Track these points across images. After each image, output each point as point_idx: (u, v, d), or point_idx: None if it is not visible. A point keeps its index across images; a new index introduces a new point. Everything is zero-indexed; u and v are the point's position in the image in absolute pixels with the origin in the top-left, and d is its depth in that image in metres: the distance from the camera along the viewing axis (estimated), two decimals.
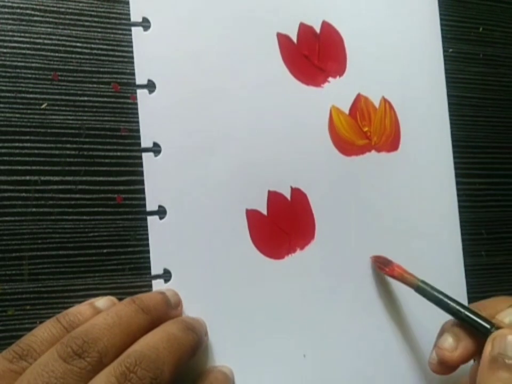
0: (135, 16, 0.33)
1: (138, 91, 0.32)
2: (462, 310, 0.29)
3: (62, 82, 0.31)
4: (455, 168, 0.39)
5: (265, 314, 0.33)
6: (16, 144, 0.30)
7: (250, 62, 0.34)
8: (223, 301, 0.32)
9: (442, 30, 0.40)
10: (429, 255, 0.37)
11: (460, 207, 0.39)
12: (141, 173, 0.32)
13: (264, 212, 0.34)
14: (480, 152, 0.41)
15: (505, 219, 0.41)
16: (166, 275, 0.31)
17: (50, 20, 0.31)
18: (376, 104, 0.37)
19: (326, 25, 0.37)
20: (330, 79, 0.36)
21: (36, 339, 0.25)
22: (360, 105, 0.37)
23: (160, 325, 0.27)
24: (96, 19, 0.32)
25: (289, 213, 0.34)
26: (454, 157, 0.39)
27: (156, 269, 0.31)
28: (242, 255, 0.33)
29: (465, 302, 0.38)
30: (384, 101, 0.38)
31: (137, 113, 0.32)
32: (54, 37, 0.31)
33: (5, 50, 0.31)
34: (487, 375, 0.26)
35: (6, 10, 0.31)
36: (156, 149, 0.32)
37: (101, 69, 0.32)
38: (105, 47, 0.32)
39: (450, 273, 0.38)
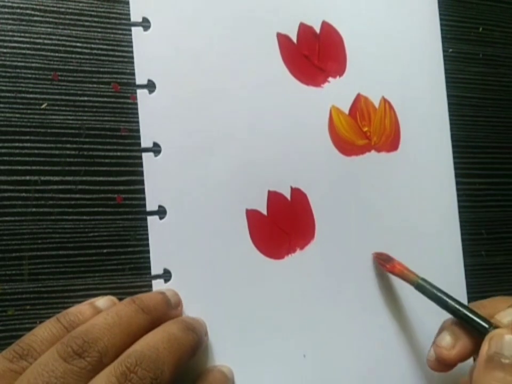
0: (135, 16, 0.33)
1: (138, 91, 0.32)
2: (461, 308, 0.29)
3: (62, 82, 0.31)
4: (455, 168, 0.39)
5: (265, 314, 0.33)
6: (16, 144, 0.30)
7: (250, 62, 0.34)
8: (223, 301, 0.32)
9: (442, 30, 0.40)
10: (429, 255, 0.37)
11: (459, 207, 0.39)
12: (141, 173, 0.32)
13: (264, 212, 0.34)
14: (480, 152, 0.41)
15: (505, 219, 0.41)
16: (166, 275, 0.31)
17: (50, 19, 0.31)
18: (376, 104, 0.37)
19: (326, 25, 0.37)
20: (330, 79, 0.36)
21: (36, 339, 0.25)
22: (360, 105, 0.37)
23: (160, 325, 0.27)
24: (96, 19, 0.32)
25: (289, 213, 0.34)
26: (454, 157, 0.39)
27: (155, 269, 0.31)
28: (242, 255, 0.33)
29: (465, 302, 0.38)
30: (384, 101, 0.38)
31: (137, 113, 0.32)
32: (54, 37, 0.31)
33: (5, 50, 0.31)
34: (482, 374, 0.26)
35: (6, 10, 0.31)
36: (155, 149, 0.32)
37: (101, 69, 0.32)
38: (105, 47, 0.32)
39: (450, 273, 0.38)
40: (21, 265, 0.30)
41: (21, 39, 0.31)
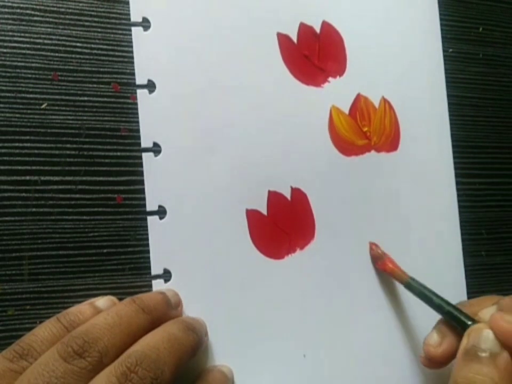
0: (135, 16, 0.33)
1: (138, 91, 0.32)
2: (446, 306, 0.30)
3: (62, 82, 0.31)
4: (455, 168, 0.39)
5: (265, 314, 0.33)
6: (16, 144, 0.30)
7: (250, 62, 0.34)
8: (223, 301, 0.32)
9: (442, 30, 0.40)
10: (429, 255, 0.37)
11: (460, 207, 0.39)
12: (141, 173, 0.32)
13: (264, 212, 0.34)
14: (480, 152, 0.41)
15: (505, 219, 0.41)
16: (166, 275, 0.31)
17: (50, 20, 0.31)
18: (376, 104, 0.37)
19: (326, 25, 0.37)
20: (330, 79, 0.36)
21: (36, 338, 0.25)
22: (360, 105, 0.37)
23: (161, 325, 0.27)
24: (96, 19, 0.32)
25: (289, 213, 0.34)
26: (454, 157, 0.39)
27: (155, 269, 0.31)
28: (242, 255, 0.33)
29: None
30: (384, 101, 0.38)
31: (137, 113, 0.32)
32: (54, 37, 0.31)
33: (5, 50, 0.31)
34: (459, 366, 0.27)
35: (6, 10, 0.31)
36: (155, 149, 0.32)
37: (101, 69, 0.32)
38: (105, 47, 0.32)
39: (450, 273, 0.38)
40: (21, 265, 0.30)
41: (21, 39, 0.31)
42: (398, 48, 0.38)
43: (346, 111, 0.36)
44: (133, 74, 0.32)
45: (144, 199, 0.32)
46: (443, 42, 0.40)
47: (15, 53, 0.31)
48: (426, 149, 0.38)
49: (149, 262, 0.31)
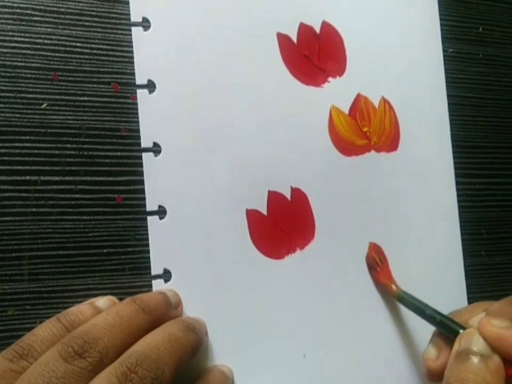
0: (135, 16, 0.33)
1: (138, 91, 0.32)
2: (437, 316, 0.30)
3: (62, 82, 0.31)
4: (455, 168, 0.39)
5: (265, 314, 0.33)
6: (16, 144, 0.30)
7: (250, 62, 0.34)
8: (223, 301, 0.32)
9: (442, 30, 0.40)
10: (429, 255, 0.37)
11: (459, 207, 0.39)
12: (141, 173, 0.32)
13: (264, 212, 0.34)
14: (480, 152, 0.41)
15: (505, 219, 0.41)
16: (166, 275, 0.31)
17: (50, 19, 0.31)
18: (376, 104, 0.37)
19: (326, 25, 0.37)
20: (330, 79, 0.36)
21: (37, 338, 0.25)
22: (360, 105, 0.37)
23: (161, 325, 0.27)
24: (96, 19, 0.32)
25: (289, 213, 0.34)
26: (454, 157, 0.39)
27: (155, 269, 0.31)
28: (242, 255, 0.33)
29: (465, 302, 0.38)
30: (384, 101, 0.38)
31: (137, 113, 0.32)
32: (54, 37, 0.31)
33: (5, 50, 0.31)
34: (451, 367, 0.27)
35: (6, 10, 0.31)
36: (155, 149, 0.32)
37: (101, 69, 0.32)
38: (105, 47, 0.32)
39: (450, 273, 0.38)
40: (21, 265, 0.30)
41: (21, 39, 0.31)
42: (398, 48, 0.38)
43: (346, 111, 0.36)
44: (133, 74, 0.32)
45: (144, 199, 0.32)
46: (443, 42, 0.40)
47: (15, 53, 0.31)
48: (426, 149, 0.38)
49: (149, 262, 0.31)
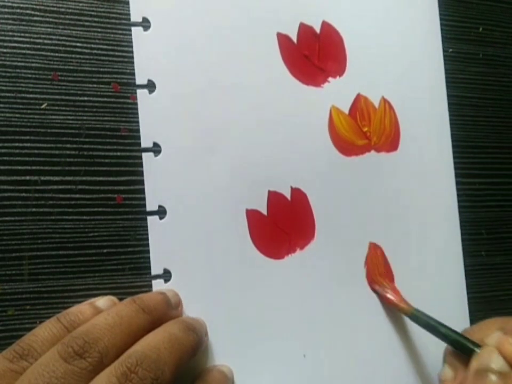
0: (135, 16, 0.33)
1: (138, 91, 0.32)
2: (452, 334, 0.30)
3: (62, 82, 0.31)
4: (455, 168, 0.39)
5: (265, 314, 0.33)
6: (16, 144, 0.30)
7: (250, 62, 0.34)
8: (223, 301, 0.32)
9: (442, 30, 0.40)
10: (429, 255, 0.37)
11: (459, 207, 0.39)
12: (141, 173, 0.32)
13: (264, 212, 0.34)
14: (480, 152, 0.41)
15: (505, 219, 0.41)
16: (166, 275, 0.31)
17: (50, 20, 0.31)
18: (376, 104, 0.37)
19: (326, 25, 0.37)
20: (330, 79, 0.36)
21: (37, 339, 0.25)
22: (360, 105, 0.37)
23: (161, 325, 0.27)
24: (96, 19, 0.32)
25: (289, 213, 0.34)
26: (454, 157, 0.39)
27: (155, 269, 0.31)
28: (242, 255, 0.33)
29: (465, 302, 0.38)
30: (384, 101, 0.38)
31: (137, 113, 0.32)
32: (54, 37, 0.31)
33: (5, 50, 0.31)
34: None
35: (6, 10, 0.31)
36: (155, 149, 0.32)
37: (101, 69, 0.32)
38: (105, 47, 0.32)
39: (450, 273, 0.38)
40: (21, 265, 0.30)
41: (21, 39, 0.31)
42: (398, 48, 0.38)
43: (346, 111, 0.36)
44: (133, 74, 0.32)
45: (144, 199, 0.32)
46: (443, 42, 0.40)
47: (15, 53, 0.31)
48: (426, 149, 0.38)
49: (149, 262, 0.31)
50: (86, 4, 0.32)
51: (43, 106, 0.31)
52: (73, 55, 0.32)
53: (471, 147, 0.40)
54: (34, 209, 0.30)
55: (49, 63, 0.31)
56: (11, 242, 0.30)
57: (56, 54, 0.31)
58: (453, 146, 0.39)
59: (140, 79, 0.32)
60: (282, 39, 0.35)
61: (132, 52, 0.32)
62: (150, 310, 0.27)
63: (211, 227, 0.32)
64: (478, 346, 0.28)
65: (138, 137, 0.32)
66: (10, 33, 0.31)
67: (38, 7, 0.31)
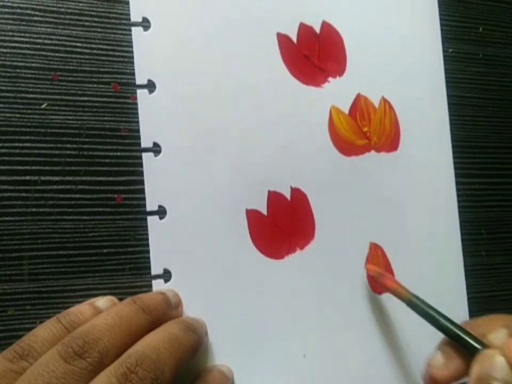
0: (135, 16, 0.33)
1: (138, 91, 0.32)
2: (452, 327, 0.29)
3: (62, 82, 0.31)
4: (455, 168, 0.39)
5: (265, 314, 0.33)
6: (16, 144, 0.30)
7: (250, 62, 0.34)
8: (223, 301, 0.32)
9: (442, 30, 0.40)
10: (429, 255, 0.37)
11: (459, 207, 0.39)
12: (141, 173, 0.32)
13: (264, 212, 0.34)
14: (480, 152, 0.41)
15: (505, 219, 0.41)
16: (166, 275, 0.31)
17: (50, 20, 0.31)
18: (376, 104, 0.37)
19: (326, 25, 0.37)
20: (330, 79, 0.36)
21: (37, 339, 0.25)
22: (360, 105, 0.37)
23: (161, 325, 0.27)
24: (96, 19, 0.32)
25: (289, 213, 0.34)
26: (454, 157, 0.39)
27: (155, 269, 0.31)
28: (242, 255, 0.33)
29: (465, 302, 0.38)
30: (384, 101, 0.38)
31: (137, 113, 0.32)
32: (54, 37, 0.31)
33: (5, 50, 0.31)
34: None
35: (6, 10, 0.31)
36: (155, 149, 0.32)
37: (101, 69, 0.32)
38: (105, 47, 0.32)
39: (450, 273, 0.38)
40: (21, 265, 0.30)
41: (21, 39, 0.31)
42: (398, 48, 0.38)
43: (346, 111, 0.36)
44: (133, 74, 0.32)
45: (144, 199, 0.32)
46: (443, 42, 0.40)
47: (15, 53, 0.31)
48: (426, 149, 0.38)
49: (149, 262, 0.31)
50: (86, 3, 0.32)
51: (43, 106, 0.31)
52: (73, 55, 0.32)
53: (471, 147, 0.40)
54: (34, 209, 0.30)
55: (49, 63, 0.31)
56: (11, 242, 0.30)
57: (56, 54, 0.31)
58: (453, 146, 0.39)
59: (140, 79, 0.32)
60: (282, 39, 0.35)
61: (132, 51, 0.32)
62: (150, 310, 0.27)
63: (211, 227, 0.32)
64: (481, 343, 0.27)
65: (138, 137, 0.32)
66: (10, 33, 0.31)
67: (38, 7, 0.31)
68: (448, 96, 0.39)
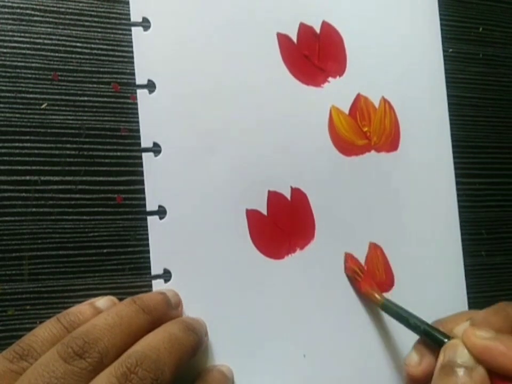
0: (135, 16, 0.33)
1: (138, 91, 0.32)
2: (421, 325, 0.30)
3: (62, 82, 0.31)
4: (455, 168, 0.39)
5: (265, 314, 0.33)
6: (16, 144, 0.30)
7: (250, 62, 0.34)
8: (223, 301, 0.32)
9: (442, 30, 0.40)
10: (429, 255, 0.37)
11: (459, 207, 0.39)
12: (141, 173, 0.32)
13: (264, 212, 0.34)
14: (480, 152, 0.41)
15: (505, 219, 0.41)
16: (166, 275, 0.31)
17: (50, 20, 0.31)
18: (376, 104, 0.37)
19: (326, 25, 0.37)
20: (330, 79, 0.36)
21: (37, 339, 0.25)
22: (360, 105, 0.37)
23: (161, 326, 0.27)
24: (96, 19, 0.32)
25: (289, 213, 0.34)
26: (454, 157, 0.39)
27: (155, 269, 0.31)
28: (242, 255, 0.33)
29: (465, 302, 0.38)
30: (384, 101, 0.38)
31: (137, 113, 0.32)
32: (54, 37, 0.31)
33: (5, 50, 0.31)
34: (436, 381, 0.27)
35: (6, 10, 0.31)
36: (155, 149, 0.32)
37: (101, 69, 0.32)
38: (105, 47, 0.32)
39: (450, 273, 0.38)
40: (21, 265, 0.30)
41: (21, 39, 0.31)
42: (398, 48, 0.38)
43: (346, 111, 0.36)
44: (133, 74, 0.32)
45: (144, 199, 0.32)
46: (443, 42, 0.40)
47: (15, 53, 0.31)
48: (426, 149, 0.38)
49: (149, 262, 0.31)
50: (86, 3, 0.32)
51: (43, 106, 0.31)
52: (73, 55, 0.32)
53: (471, 147, 0.40)
54: (34, 209, 0.30)
55: (49, 63, 0.31)
56: (11, 242, 0.30)
57: (56, 54, 0.31)
58: (453, 146, 0.39)
59: (140, 79, 0.32)
60: (282, 39, 0.35)
61: (132, 51, 0.32)
62: (150, 310, 0.27)
63: (211, 227, 0.32)
64: (447, 337, 0.28)
65: (138, 137, 0.32)
66: (10, 33, 0.31)
67: (38, 7, 0.31)
68: (448, 96, 0.39)
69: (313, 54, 0.36)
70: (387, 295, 0.35)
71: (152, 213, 0.32)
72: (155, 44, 0.33)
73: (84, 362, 0.24)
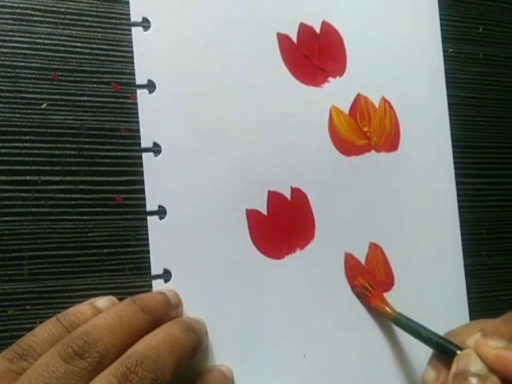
0: (135, 16, 0.33)
1: (138, 91, 0.32)
2: (434, 337, 0.30)
3: (62, 82, 0.31)
4: (455, 168, 0.39)
5: (265, 314, 0.33)
6: (16, 144, 0.30)
7: (250, 62, 0.34)
8: (223, 301, 0.32)
9: (442, 30, 0.40)
10: (429, 255, 0.37)
11: (459, 207, 0.39)
12: (141, 173, 0.32)
13: (264, 212, 0.34)
14: (480, 152, 0.41)
15: (505, 219, 0.41)
16: (166, 275, 0.31)
17: (50, 20, 0.31)
18: (376, 104, 0.37)
19: (326, 25, 0.37)
20: (330, 79, 0.36)
21: (36, 339, 0.25)
22: (360, 105, 0.37)
23: (161, 326, 0.27)
24: (96, 19, 0.32)
25: (289, 213, 0.34)
26: (454, 157, 0.39)
27: (155, 269, 0.31)
28: (242, 255, 0.33)
29: (465, 302, 0.38)
30: (384, 101, 0.38)
31: (137, 113, 0.32)
32: (54, 37, 0.31)
33: (5, 50, 0.31)
34: None
35: (6, 10, 0.31)
36: (155, 149, 0.32)
37: (101, 69, 0.32)
38: (105, 47, 0.32)
39: (450, 273, 0.38)
40: (21, 265, 0.30)
41: (21, 39, 0.31)
42: (398, 48, 0.38)
43: (346, 111, 0.36)
44: (133, 74, 0.32)
45: (144, 199, 0.32)
46: (443, 42, 0.40)
47: (15, 53, 0.31)
48: (426, 149, 0.38)
49: (149, 262, 0.31)
50: (86, 3, 0.32)
51: (43, 106, 0.31)
52: (73, 55, 0.32)
53: (471, 147, 0.40)
54: (34, 209, 0.30)
55: (49, 63, 0.31)
56: (11, 242, 0.30)
57: (56, 54, 0.31)
58: (453, 146, 0.39)
59: (140, 79, 0.32)
60: (282, 39, 0.35)
61: (132, 52, 0.32)
62: (150, 310, 0.27)
63: (211, 227, 0.32)
64: (460, 348, 0.29)
65: (138, 137, 0.32)
66: (10, 33, 0.31)
67: (38, 7, 0.31)
68: (448, 96, 0.39)
69: (313, 54, 0.36)
70: (387, 295, 0.35)
71: (152, 213, 0.32)
72: (155, 43, 0.33)
73: (83, 362, 0.24)
